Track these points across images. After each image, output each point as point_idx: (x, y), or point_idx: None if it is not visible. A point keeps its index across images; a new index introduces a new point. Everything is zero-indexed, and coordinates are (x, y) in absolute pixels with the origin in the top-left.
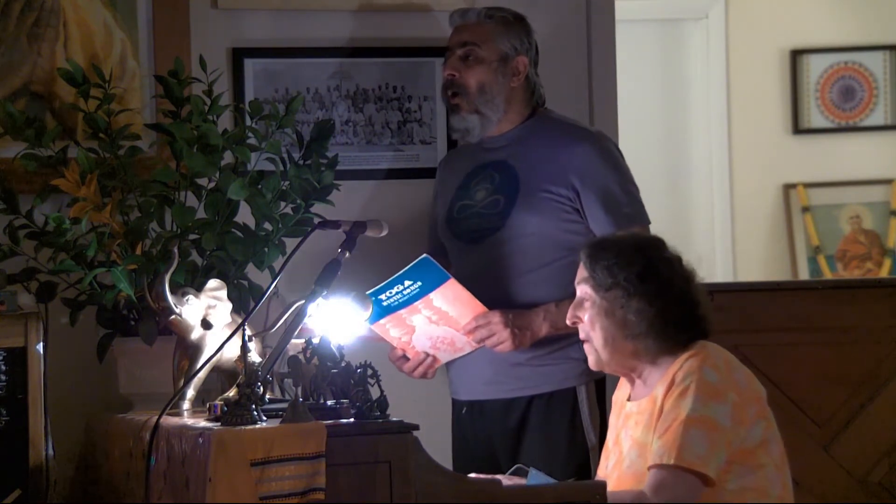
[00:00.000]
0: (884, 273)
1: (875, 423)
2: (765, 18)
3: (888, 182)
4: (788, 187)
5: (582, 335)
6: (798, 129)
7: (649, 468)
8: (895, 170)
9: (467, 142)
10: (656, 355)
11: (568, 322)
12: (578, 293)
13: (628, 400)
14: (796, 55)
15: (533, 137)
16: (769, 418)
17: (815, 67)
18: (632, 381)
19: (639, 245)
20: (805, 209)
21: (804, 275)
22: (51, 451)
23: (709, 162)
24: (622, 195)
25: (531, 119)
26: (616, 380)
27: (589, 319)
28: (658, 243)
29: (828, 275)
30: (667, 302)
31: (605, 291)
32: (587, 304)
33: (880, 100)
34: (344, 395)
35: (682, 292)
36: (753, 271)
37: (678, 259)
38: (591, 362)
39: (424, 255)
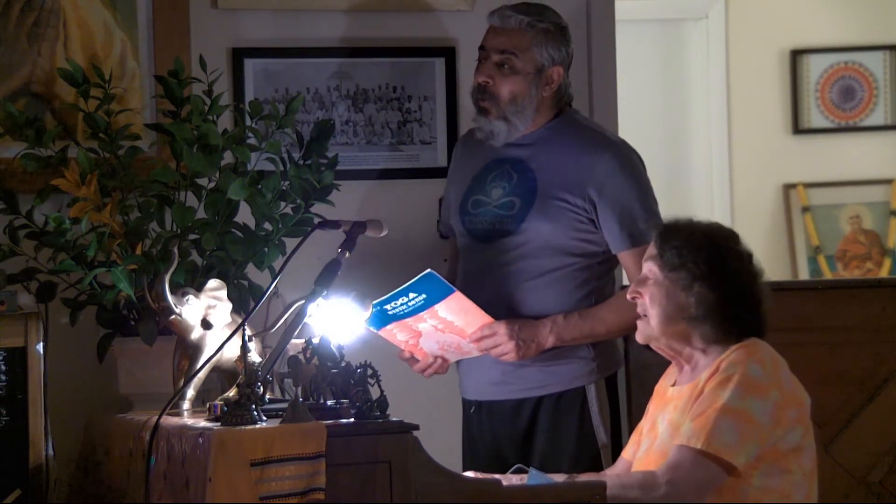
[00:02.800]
0: (884, 273)
1: (875, 423)
2: (765, 18)
3: (888, 182)
4: (788, 187)
5: (639, 310)
6: (798, 129)
7: (675, 445)
8: (895, 170)
9: (491, 143)
10: (709, 343)
11: (628, 297)
12: (644, 270)
13: (672, 385)
14: (796, 55)
15: (555, 141)
16: (808, 427)
17: (815, 67)
18: (680, 367)
19: (711, 232)
20: (805, 209)
21: (804, 275)
22: (51, 451)
23: (709, 162)
24: (640, 210)
25: (556, 120)
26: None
27: (649, 296)
28: (732, 235)
29: (828, 275)
30: (729, 292)
31: (670, 271)
32: (650, 282)
33: (880, 100)
34: (344, 395)
35: (745, 286)
36: None
37: (748, 255)
38: (640, 336)
39: (428, 270)
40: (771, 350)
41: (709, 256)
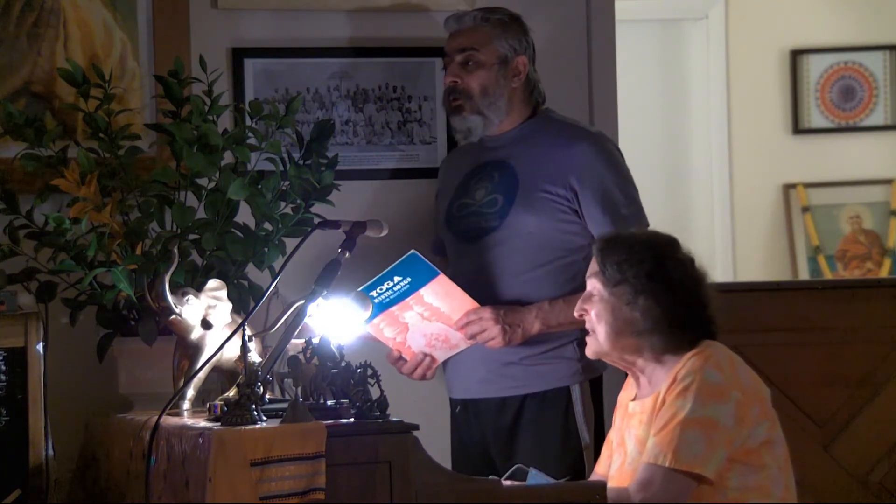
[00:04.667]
0: (884, 273)
1: (875, 423)
2: (765, 18)
3: (888, 182)
4: (788, 187)
5: (587, 326)
6: (798, 129)
7: (644, 463)
8: (895, 170)
9: (469, 141)
10: (661, 353)
11: (575, 314)
12: (588, 286)
13: (633, 400)
14: (796, 55)
15: (533, 137)
16: (773, 419)
17: (815, 67)
18: (636, 379)
19: (651, 243)
20: (805, 209)
21: (804, 275)
22: (51, 451)
23: (709, 162)
24: (620, 196)
25: (532, 119)
26: (614, 378)
27: (595, 313)
28: (671, 243)
29: (828, 275)
30: (674, 302)
31: (613, 287)
32: (595, 298)
33: (880, 100)
34: (344, 395)
35: (690, 293)
36: (753, 271)
37: (690, 260)
38: (590, 352)
39: (412, 250)
40: (726, 350)
41: (651, 269)
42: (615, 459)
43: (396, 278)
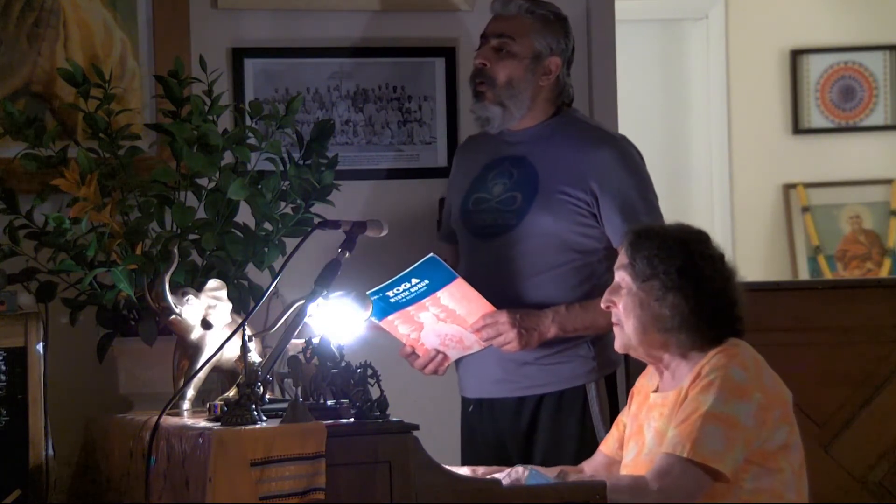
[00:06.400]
0: (884, 273)
1: (875, 423)
2: (765, 18)
3: (888, 182)
4: (788, 187)
5: (614, 319)
6: (798, 129)
7: (662, 453)
8: (895, 170)
9: (486, 130)
10: (687, 349)
11: (602, 305)
12: (616, 278)
13: (655, 391)
14: (796, 55)
15: (555, 137)
16: (792, 424)
17: (815, 67)
18: (660, 372)
19: (682, 239)
20: (805, 209)
21: (804, 275)
22: (51, 451)
23: (709, 162)
24: (640, 202)
25: (555, 117)
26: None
27: (623, 306)
28: (702, 238)
29: (828, 275)
30: (703, 300)
31: (643, 282)
32: (623, 291)
33: (880, 100)
34: (344, 395)
35: (719, 291)
36: (753, 271)
37: (720, 256)
38: (618, 345)
39: (431, 254)
40: (751, 351)
41: (681, 265)
42: (631, 448)
43: (414, 280)
